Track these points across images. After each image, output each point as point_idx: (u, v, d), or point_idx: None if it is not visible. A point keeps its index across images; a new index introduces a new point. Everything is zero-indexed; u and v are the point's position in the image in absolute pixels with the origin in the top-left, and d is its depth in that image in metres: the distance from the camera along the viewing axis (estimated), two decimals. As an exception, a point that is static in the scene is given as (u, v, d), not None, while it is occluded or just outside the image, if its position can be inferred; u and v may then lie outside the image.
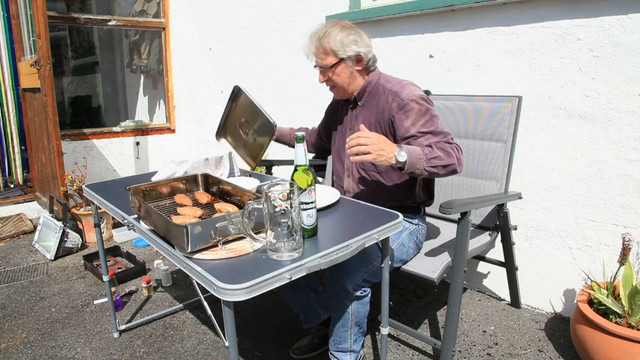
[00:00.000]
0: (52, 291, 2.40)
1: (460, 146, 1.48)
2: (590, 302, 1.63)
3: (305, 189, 1.12)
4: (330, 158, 2.17)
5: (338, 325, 1.50)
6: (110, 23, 3.78)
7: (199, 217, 1.20)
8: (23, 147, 3.91)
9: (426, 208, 1.80)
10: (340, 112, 1.77)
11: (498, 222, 1.88)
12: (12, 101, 3.76)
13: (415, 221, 1.66)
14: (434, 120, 1.49)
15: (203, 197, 1.36)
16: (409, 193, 1.64)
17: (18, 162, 3.91)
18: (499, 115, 1.85)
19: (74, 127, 4.42)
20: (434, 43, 2.24)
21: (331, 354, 1.55)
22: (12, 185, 3.95)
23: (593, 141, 1.83)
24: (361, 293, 1.46)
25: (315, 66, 1.62)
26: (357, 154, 1.33)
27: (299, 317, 1.83)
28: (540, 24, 1.89)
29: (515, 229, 1.96)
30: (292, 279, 0.99)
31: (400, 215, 1.31)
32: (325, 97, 1.83)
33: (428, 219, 2.05)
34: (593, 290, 1.64)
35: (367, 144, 1.32)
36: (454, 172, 1.43)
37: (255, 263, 1.03)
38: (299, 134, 1.14)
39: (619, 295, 1.61)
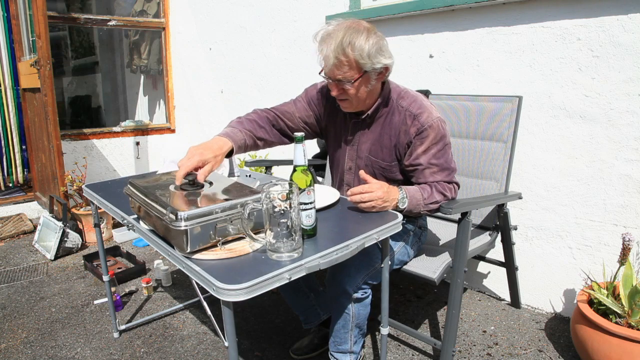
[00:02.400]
0: (52, 291, 2.40)
1: (458, 183, 1.52)
2: (590, 302, 1.63)
3: (304, 190, 1.12)
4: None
5: (338, 326, 1.50)
6: (110, 23, 3.78)
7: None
8: (24, 147, 3.92)
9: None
10: (339, 115, 1.58)
11: (498, 222, 1.87)
12: (12, 101, 3.76)
13: (417, 223, 1.66)
14: (446, 150, 1.46)
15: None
16: None
17: (19, 161, 3.91)
18: (499, 116, 1.84)
19: (74, 127, 4.42)
20: (434, 43, 2.24)
21: (331, 354, 1.55)
22: (10, 185, 3.95)
23: (593, 141, 1.83)
24: (362, 295, 1.46)
25: (321, 72, 1.39)
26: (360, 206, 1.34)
27: (299, 318, 1.83)
28: (540, 24, 1.89)
29: (515, 229, 1.96)
30: (292, 279, 0.99)
31: (400, 216, 1.31)
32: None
33: (428, 219, 2.05)
34: (593, 290, 1.64)
35: (371, 200, 1.31)
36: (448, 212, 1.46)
37: (254, 263, 1.03)
38: (298, 134, 1.14)
39: (619, 295, 1.61)
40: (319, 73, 1.41)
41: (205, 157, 1.26)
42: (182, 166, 1.21)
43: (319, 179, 2.37)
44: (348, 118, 1.56)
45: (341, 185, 1.67)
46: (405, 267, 1.62)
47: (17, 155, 3.89)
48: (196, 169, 1.23)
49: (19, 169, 3.92)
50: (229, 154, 1.40)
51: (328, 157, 1.81)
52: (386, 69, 1.39)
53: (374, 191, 1.32)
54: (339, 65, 1.33)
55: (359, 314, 1.48)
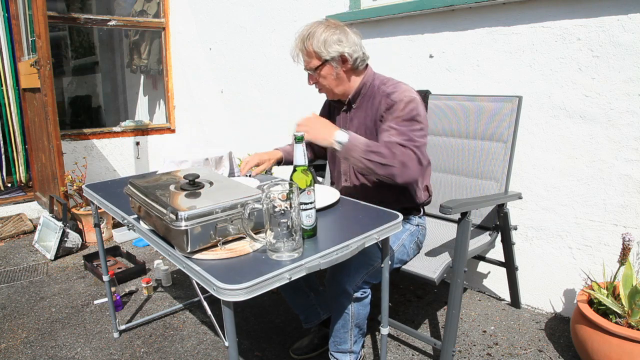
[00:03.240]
0: (52, 291, 2.40)
1: (421, 157, 1.39)
2: (590, 302, 1.63)
3: (304, 190, 1.12)
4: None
5: (338, 326, 1.50)
6: (110, 23, 3.78)
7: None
8: (26, 147, 3.92)
9: (425, 208, 1.80)
10: (333, 114, 1.72)
11: (498, 222, 1.88)
12: (14, 101, 3.76)
13: (416, 222, 1.66)
14: (412, 124, 1.42)
15: None
16: (408, 194, 1.63)
17: (21, 161, 3.91)
18: (499, 115, 1.85)
19: (74, 127, 4.42)
20: (434, 43, 2.24)
21: (331, 354, 1.55)
22: (9, 185, 3.96)
23: (593, 141, 1.83)
24: (361, 294, 1.46)
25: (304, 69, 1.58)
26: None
27: (299, 317, 1.83)
28: (540, 24, 1.89)
29: (515, 229, 1.96)
30: (292, 279, 0.99)
31: (400, 215, 1.31)
32: (325, 97, 1.83)
33: (428, 219, 2.05)
34: (593, 290, 1.64)
35: (304, 124, 1.42)
36: (393, 177, 1.36)
37: (255, 263, 1.03)
38: (298, 134, 1.14)
39: (619, 295, 1.61)
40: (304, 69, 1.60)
41: (262, 158, 1.75)
42: (247, 162, 1.72)
43: (319, 179, 2.37)
44: (337, 111, 1.70)
45: (339, 177, 1.71)
46: (405, 267, 1.62)
47: (20, 155, 3.89)
48: (257, 165, 1.73)
49: (22, 168, 3.93)
50: (280, 163, 1.81)
51: (327, 154, 1.84)
52: (343, 57, 1.50)
53: (310, 118, 1.45)
54: (303, 56, 1.54)
55: (359, 313, 1.48)
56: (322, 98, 1.90)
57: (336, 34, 1.48)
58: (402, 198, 1.62)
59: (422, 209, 1.72)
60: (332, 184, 1.84)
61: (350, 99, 1.60)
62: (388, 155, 1.35)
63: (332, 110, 1.74)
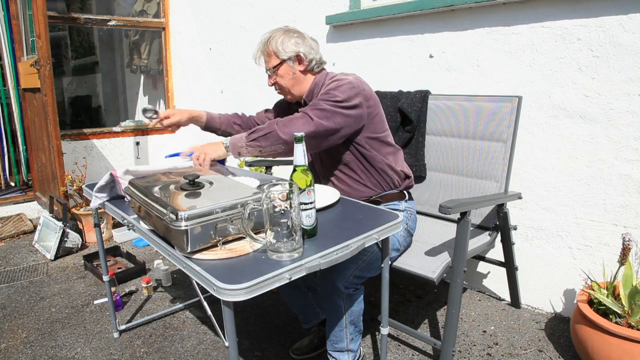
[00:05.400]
0: (52, 291, 2.40)
1: (315, 116, 1.45)
2: (590, 302, 1.63)
3: (304, 189, 1.12)
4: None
5: (333, 325, 1.50)
6: (110, 23, 3.78)
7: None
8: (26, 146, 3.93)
9: (425, 208, 1.80)
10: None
11: (498, 222, 1.87)
12: (15, 101, 3.77)
13: (402, 207, 1.66)
14: (326, 97, 1.49)
15: None
16: (383, 176, 1.64)
17: (23, 161, 3.92)
18: (499, 115, 1.85)
19: (74, 127, 4.42)
20: (434, 43, 2.24)
21: (329, 354, 1.55)
22: (12, 185, 3.96)
23: (593, 141, 1.83)
24: (353, 291, 1.46)
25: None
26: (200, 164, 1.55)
27: (298, 317, 1.83)
28: (540, 24, 1.89)
29: (515, 229, 1.96)
30: (292, 279, 0.99)
31: (401, 216, 1.31)
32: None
33: (428, 219, 2.06)
34: (593, 290, 1.64)
35: (198, 151, 1.55)
36: (279, 139, 1.44)
37: (255, 263, 1.03)
38: (298, 134, 1.14)
39: (619, 295, 1.61)
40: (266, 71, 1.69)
41: (174, 111, 1.83)
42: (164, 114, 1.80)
43: (319, 179, 2.37)
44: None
45: (318, 177, 1.75)
46: (405, 267, 1.61)
47: (22, 155, 3.90)
48: (166, 117, 1.80)
49: (24, 168, 3.94)
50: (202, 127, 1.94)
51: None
52: (299, 57, 1.61)
53: (198, 148, 1.57)
54: (263, 56, 1.65)
55: (352, 310, 1.48)
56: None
57: (294, 37, 1.61)
58: (379, 183, 1.65)
59: (406, 194, 1.71)
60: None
61: (305, 99, 1.68)
62: (265, 127, 1.47)
63: (293, 112, 1.75)
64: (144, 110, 1.82)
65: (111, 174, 1.50)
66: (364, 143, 1.59)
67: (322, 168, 1.71)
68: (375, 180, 1.64)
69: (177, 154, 1.75)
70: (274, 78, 1.66)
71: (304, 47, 1.61)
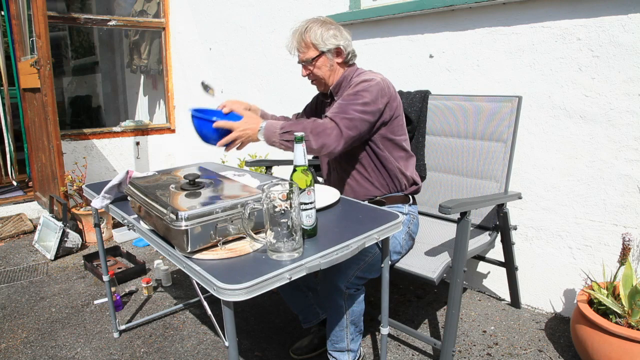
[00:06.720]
0: (52, 291, 2.40)
1: (344, 128, 1.46)
2: (590, 302, 1.63)
3: (304, 190, 1.12)
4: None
5: (334, 324, 1.50)
6: (110, 23, 3.78)
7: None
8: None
9: (425, 208, 1.80)
10: (320, 107, 1.82)
11: (498, 222, 1.87)
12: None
13: (405, 210, 1.67)
14: (355, 98, 1.50)
15: None
16: (392, 179, 1.66)
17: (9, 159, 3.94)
18: (498, 115, 1.85)
19: (74, 127, 4.42)
20: (434, 43, 2.24)
21: (329, 354, 1.55)
22: (16, 184, 3.96)
23: (593, 141, 1.83)
24: (354, 291, 1.46)
25: (298, 62, 1.67)
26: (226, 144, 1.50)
27: (298, 317, 1.83)
28: (540, 24, 1.89)
29: (515, 229, 1.96)
30: (292, 279, 0.99)
31: (401, 216, 1.31)
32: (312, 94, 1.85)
33: (428, 219, 2.06)
34: (593, 290, 1.64)
35: (234, 139, 1.48)
36: (310, 148, 1.44)
37: (255, 263, 1.03)
38: (298, 134, 1.14)
39: (619, 295, 1.61)
40: (298, 62, 1.68)
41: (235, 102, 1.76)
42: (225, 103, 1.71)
43: (319, 178, 2.37)
44: (322, 103, 1.80)
45: (328, 167, 1.78)
46: (405, 267, 1.62)
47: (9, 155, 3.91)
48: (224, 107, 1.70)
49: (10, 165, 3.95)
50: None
51: None
52: (338, 49, 1.62)
53: (236, 128, 1.48)
54: (300, 47, 1.63)
55: (353, 310, 1.48)
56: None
57: (332, 29, 1.61)
58: (386, 181, 1.67)
59: (410, 198, 1.72)
60: (322, 174, 1.89)
61: (332, 91, 1.70)
62: (299, 130, 1.44)
63: (320, 105, 1.83)
64: (203, 85, 1.83)
65: (127, 172, 1.50)
66: (379, 142, 1.61)
67: (334, 161, 1.73)
68: (383, 180, 1.66)
69: (206, 110, 1.68)
70: (309, 69, 1.65)
71: (343, 39, 1.62)
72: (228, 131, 1.49)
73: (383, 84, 1.56)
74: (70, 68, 5.62)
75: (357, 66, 1.71)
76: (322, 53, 1.61)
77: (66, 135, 3.60)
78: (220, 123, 1.48)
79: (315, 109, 1.87)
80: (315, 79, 1.68)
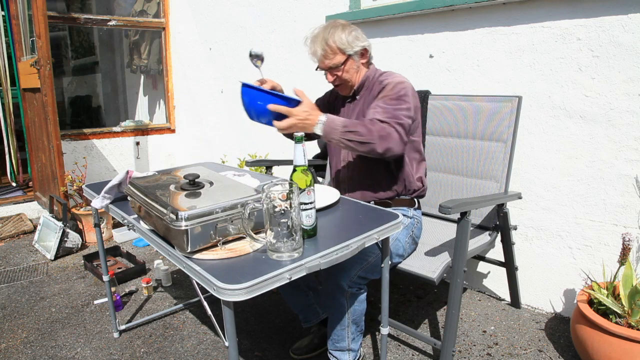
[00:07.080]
0: (52, 291, 2.40)
1: (403, 134, 1.47)
2: (590, 302, 1.63)
3: (304, 190, 1.12)
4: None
5: (335, 323, 1.50)
6: (110, 23, 3.79)
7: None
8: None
9: (425, 208, 1.80)
10: (337, 105, 1.80)
11: (498, 222, 1.87)
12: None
13: (410, 214, 1.67)
14: (398, 103, 1.51)
15: None
16: (402, 181, 1.66)
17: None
18: (498, 115, 1.85)
19: (74, 127, 4.42)
20: (434, 43, 2.24)
21: (330, 353, 1.55)
22: (15, 184, 3.96)
23: (593, 141, 1.83)
24: (357, 291, 1.46)
25: (317, 68, 1.66)
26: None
27: (299, 317, 1.83)
28: (540, 24, 1.89)
29: (515, 229, 1.96)
30: (292, 279, 0.99)
31: (401, 215, 1.31)
32: (323, 90, 1.85)
33: (428, 219, 2.06)
34: (593, 290, 1.64)
35: (289, 114, 1.41)
36: (374, 152, 1.43)
37: (255, 263, 1.03)
38: (298, 134, 1.14)
39: (619, 295, 1.61)
40: (316, 69, 1.67)
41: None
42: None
43: (319, 179, 2.37)
44: (341, 103, 1.78)
45: (338, 161, 1.77)
46: (404, 266, 1.62)
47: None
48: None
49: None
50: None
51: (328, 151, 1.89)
52: (365, 50, 1.64)
53: (294, 115, 1.42)
54: (326, 54, 1.60)
55: (355, 310, 1.48)
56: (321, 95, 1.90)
57: (353, 30, 1.61)
58: (396, 183, 1.67)
59: (416, 202, 1.72)
60: (330, 169, 1.88)
61: (355, 90, 1.70)
62: (365, 132, 1.42)
63: (337, 103, 1.81)
64: (252, 54, 1.67)
65: (127, 172, 1.50)
66: None
67: (347, 157, 1.73)
68: (393, 182, 1.66)
69: (254, 88, 1.56)
70: (336, 74, 1.63)
71: (365, 40, 1.64)
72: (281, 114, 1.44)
73: (412, 87, 1.60)
74: (70, 68, 5.62)
75: (374, 65, 1.72)
76: (349, 56, 1.61)
77: (66, 135, 3.60)
78: (277, 107, 1.42)
79: (328, 104, 1.85)
80: (342, 83, 1.67)
